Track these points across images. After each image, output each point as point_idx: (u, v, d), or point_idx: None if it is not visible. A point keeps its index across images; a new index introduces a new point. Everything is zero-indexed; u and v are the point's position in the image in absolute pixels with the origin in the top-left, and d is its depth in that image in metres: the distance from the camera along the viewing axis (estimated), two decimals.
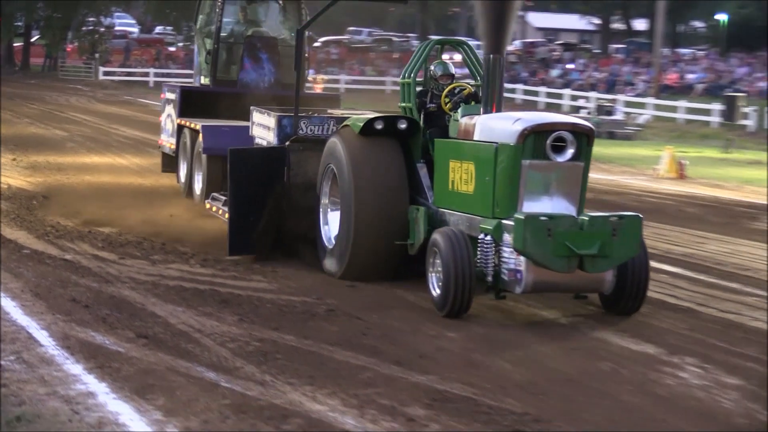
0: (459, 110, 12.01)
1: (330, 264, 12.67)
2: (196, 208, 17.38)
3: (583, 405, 8.28)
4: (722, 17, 65.78)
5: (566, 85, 55.49)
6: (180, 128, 18.65)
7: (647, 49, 59.77)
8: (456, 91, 12.62)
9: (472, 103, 12.28)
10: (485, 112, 11.57)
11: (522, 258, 10.31)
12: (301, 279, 12.73)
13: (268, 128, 14.47)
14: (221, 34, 19.28)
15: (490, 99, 11.66)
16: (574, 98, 50.83)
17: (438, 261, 10.77)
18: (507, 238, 10.48)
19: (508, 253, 10.49)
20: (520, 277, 10.40)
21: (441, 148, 12.09)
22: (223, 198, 15.30)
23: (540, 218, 10.29)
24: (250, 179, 13.28)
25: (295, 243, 13.47)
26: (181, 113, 18.67)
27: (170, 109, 19.57)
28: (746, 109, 42.11)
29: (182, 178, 18.66)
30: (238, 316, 10.71)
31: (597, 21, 66.87)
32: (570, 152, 10.74)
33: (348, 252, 12.22)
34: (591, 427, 7.78)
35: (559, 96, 52.89)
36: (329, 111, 15.56)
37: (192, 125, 17.92)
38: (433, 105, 12.67)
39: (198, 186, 17.55)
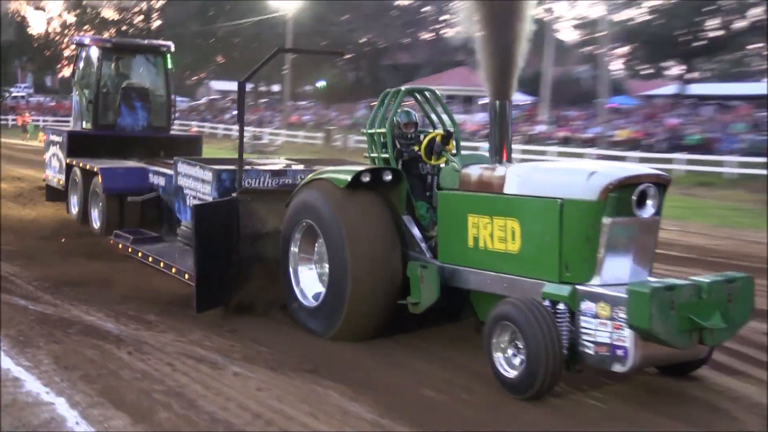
0: (457, 159, 8.74)
1: (315, 324, 9.01)
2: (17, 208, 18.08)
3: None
4: (322, 83, 77.45)
5: (235, 123, 60.38)
6: (69, 167, 16.03)
7: (280, 100, 66.64)
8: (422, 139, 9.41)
9: (451, 146, 9.29)
10: (495, 161, 8.33)
11: (626, 332, 6.80)
12: (86, 240, 14.00)
13: (203, 181, 11.53)
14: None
15: (499, 146, 8.35)
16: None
17: (505, 337, 7.29)
18: (589, 306, 7.04)
19: (595, 324, 7.02)
20: (625, 354, 6.85)
21: (453, 201, 8.46)
22: (130, 237, 12.85)
23: (663, 289, 6.75)
24: (213, 234, 9.79)
25: (256, 295, 9.83)
26: (70, 154, 16.07)
27: (56, 150, 16.91)
28: (337, 136, 48.28)
29: (74, 210, 15.91)
30: (39, 265, 12.12)
31: (251, 85, 72.97)
32: (653, 206, 7.39)
33: (343, 312, 8.66)
34: (148, 292, 10.48)
35: (230, 130, 57.75)
36: (261, 163, 12.51)
37: (86, 166, 15.11)
38: (405, 155, 9.38)
39: (96, 223, 14.69)
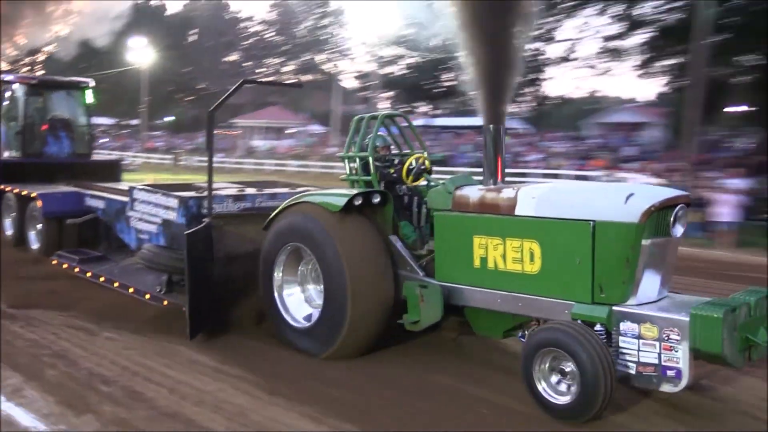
0: (448, 181, 6.16)
1: (309, 344, 6.38)
2: None
3: None
4: (170, 118, 66.93)
5: (103, 148, 53.19)
6: (1, 192, 11.95)
7: (138, 130, 59.43)
8: (399, 161, 6.99)
9: (429, 168, 6.83)
10: (490, 182, 5.95)
11: (680, 353, 4.70)
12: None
13: (167, 208, 8.30)
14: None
15: (494, 168, 5.97)
16: (111, 153, 49.48)
17: (546, 364, 5.04)
18: (630, 327, 4.88)
19: (638, 345, 4.85)
20: (678, 375, 4.74)
21: (454, 223, 5.96)
22: (76, 257, 9.44)
23: (730, 312, 4.68)
24: (202, 259, 6.80)
25: (236, 310, 7.15)
26: (2, 180, 12.01)
27: None
28: (183, 158, 43.04)
29: (8, 233, 11.84)
30: None
31: (117, 119, 63.91)
32: (683, 226, 5.30)
33: (342, 332, 6.11)
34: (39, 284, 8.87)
35: (99, 153, 49.88)
36: (220, 188, 9.07)
37: (23, 192, 11.23)
38: (386, 177, 6.85)
39: (35, 244, 10.91)
